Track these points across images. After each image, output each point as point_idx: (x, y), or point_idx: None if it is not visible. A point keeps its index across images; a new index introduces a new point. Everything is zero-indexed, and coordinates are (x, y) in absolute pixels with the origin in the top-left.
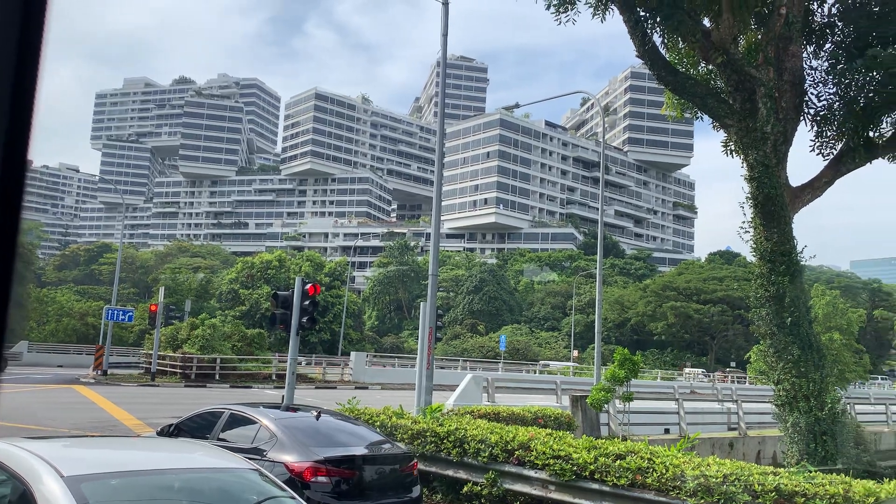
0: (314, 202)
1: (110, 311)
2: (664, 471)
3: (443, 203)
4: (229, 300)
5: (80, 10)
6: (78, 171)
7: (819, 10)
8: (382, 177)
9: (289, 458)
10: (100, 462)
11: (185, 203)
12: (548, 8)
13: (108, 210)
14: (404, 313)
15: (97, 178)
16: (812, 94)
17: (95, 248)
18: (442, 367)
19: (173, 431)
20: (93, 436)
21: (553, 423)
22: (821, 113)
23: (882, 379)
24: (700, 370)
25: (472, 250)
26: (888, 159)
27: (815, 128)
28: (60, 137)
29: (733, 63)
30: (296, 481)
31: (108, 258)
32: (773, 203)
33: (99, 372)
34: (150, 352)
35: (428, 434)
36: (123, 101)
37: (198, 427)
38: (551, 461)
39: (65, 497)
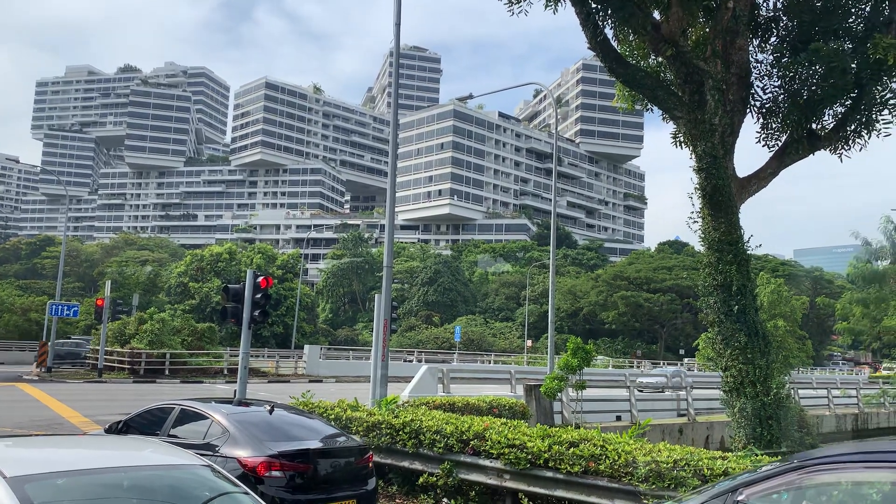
0: (265, 193)
1: (54, 307)
2: (616, 457)
3: (397, 194)
4: (178, 294)
5: None
6: (18, 161)
7: (765, 4)
8: (335, 168)
9: (242, 454)
10: (44, 461)
11: (132, 195)
12: None
13: (50, 202)
14: (359, 305)
15: (39, 168)
16: (758, 86)
17: (38, 241)
18: (397, 359)
19: (122, 428)
20: (37, 435)
21: (508, 413)
22: (766, 105)
23: (835, 365)
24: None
25: (426, 242)
26: (830, 151)
27: (761, 120)
28: None
29: (682, 56)
30: (249, 476)
31: (52, 251)
32: (721, 193)
33: (43, 369)
34: (97, 347)
35: (383, 426)
36: (66, 90)
37: (147, 423)
38: (506, 450)
39: (8, 498)
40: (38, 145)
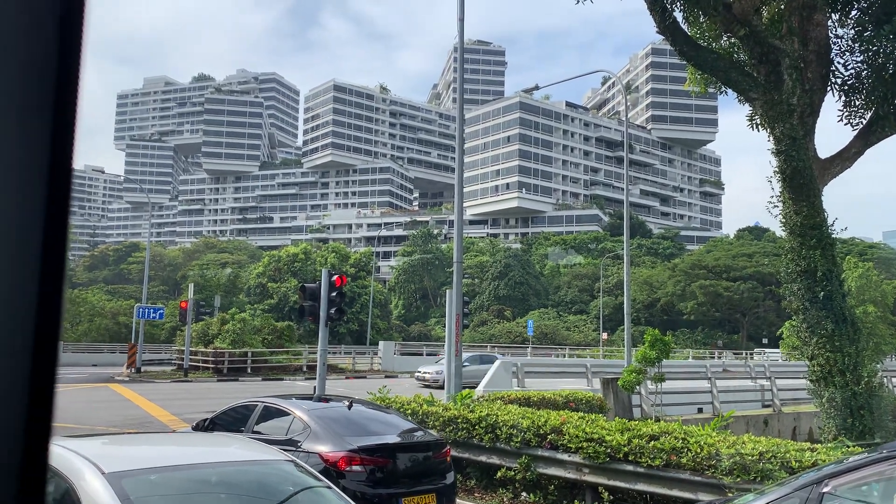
0: (337, 194)
1: (141, 310)
2: (699, 450)
3: (465, 189)
4: (258, 294)
5: (99, 10)
6: (103, 172)
7: None
8: (403, 166)
9: (323, 448)
10: (138, 458)
11: (210, 199)
12: None
13: (134, 209)
14: (430, 301)
15: (122, 178)
16: (839, 63)
17: (124, 247)
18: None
19: (208, 426)
20: (130, 432)
21: (585, 407)
22: (848, 82)
23: None
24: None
25: (495, 236)
26: None
27: (843, 97)
28: (85, 139)
29: (756, 35)
30: (331, 471)
31: (137, 257)
32: (802, 176)
33: (133, 370)
34: (182, 348)
35: (459, 421)
36: (144, 101)
37: (232, 421)
38: (584, 444)
39: (107, 493)
40: (120, 156)
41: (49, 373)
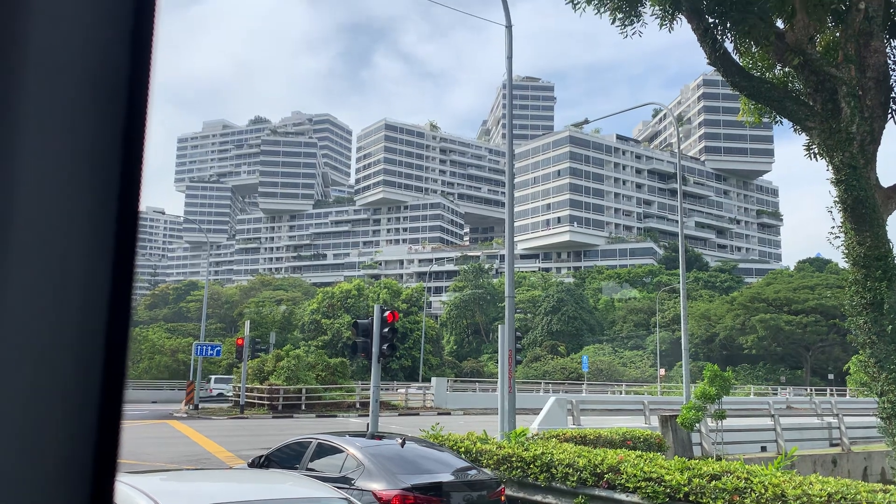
0: (388, 230)
1: (199, 347)
2: (763, 490)
3: (515, 224)
4: (312, 330)
5: (160, 57)
6: (164, 213)
7: None
8: (453, 201)
9: (377, 486)
10: (196, 494)
11: (266, 238)
12: (613, 22)
13: (193, 249)
14: (482, 336)
15: (182, 218)
16: None
17: (183, 286)
18: (523, 391)
19: (263, 462)
20: (188, 469)
21: (642, 445)
22: None
23: None
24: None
25: (547, 270)
26: None
27: None
28: (147, 182)
29: (811, 63)
30: None
31: (195, 295)
32: (864, 205)
33: (191, 406)
34: (238, 385)
35: (514, 459)
36: (203, 144)
37: (287, 457)
38: (643, 484)
39: None
40: (180, 197)
41: (115, 412)
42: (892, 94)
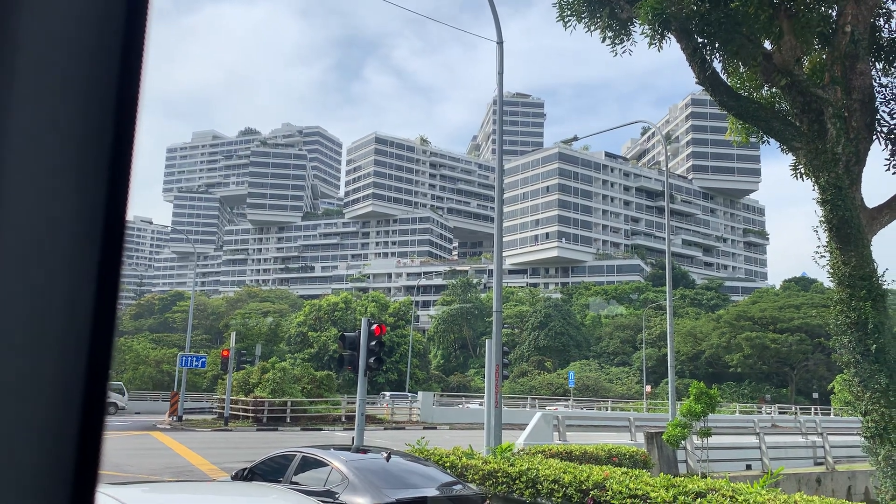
0: (377, 243)
1: (184, 358)
2: None
3: (504, 239)
4: (298, 343)
5: (151, 66)
6: (151, 222)
7: (886, 25)
8: (443, 216)
9: (360, 501)
10: None
11: (254, 249)
12: (603, 41)
13: (180, 259)
14: (469, 351)
15: (169, 228)
16: (884, 111)
17: (169, 296)
18: (510, 406)
19: (247, 475)
20: (170, 481)
21: (628, 462)
22: (894, 131)
23: None
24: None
25: (535, 285)
26: None
27: (890, 146)
28: (135, 191)
29: (798, 84)
30: None
31: (181, 306)
32: (849, 226)
33: (174, 418)
34: (223, 397)
35: (499, 474)
36: (192, 154)
37: (271, 470)
38: (628, 501)
39: None
40: (168, 207)
41: (97, 422)
42: (877, 116)
